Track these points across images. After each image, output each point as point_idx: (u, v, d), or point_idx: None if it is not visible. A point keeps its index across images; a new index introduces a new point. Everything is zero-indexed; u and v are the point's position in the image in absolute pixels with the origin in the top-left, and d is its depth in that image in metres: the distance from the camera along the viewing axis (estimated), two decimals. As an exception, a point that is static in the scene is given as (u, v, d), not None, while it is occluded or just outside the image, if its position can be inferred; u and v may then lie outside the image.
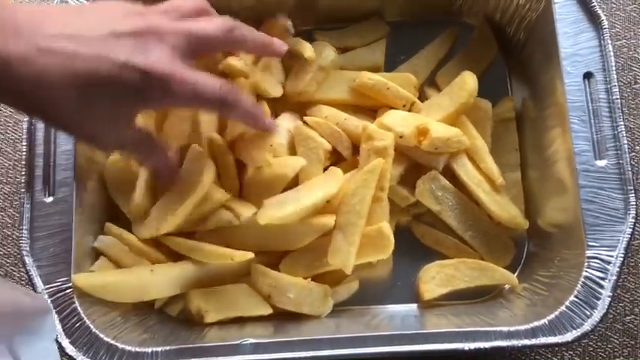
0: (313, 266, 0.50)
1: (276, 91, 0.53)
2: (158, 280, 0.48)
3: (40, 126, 0.48)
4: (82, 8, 0.40)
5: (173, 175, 0.47)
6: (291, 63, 0.54)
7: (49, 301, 0.44)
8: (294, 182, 0.51)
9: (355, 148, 0.53)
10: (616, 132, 0.46)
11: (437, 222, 0.53)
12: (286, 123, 0.53)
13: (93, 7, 0.40)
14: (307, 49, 0.53)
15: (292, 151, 0.52)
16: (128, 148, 0.44)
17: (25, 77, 0.34)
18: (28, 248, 0.46)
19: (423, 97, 0.56)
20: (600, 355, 0.52)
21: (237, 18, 0.46)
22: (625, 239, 0.44)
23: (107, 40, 0.35)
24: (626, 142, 0.45)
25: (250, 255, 0.48)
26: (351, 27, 0.58)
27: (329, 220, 0.48)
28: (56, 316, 0.44)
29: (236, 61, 0.51)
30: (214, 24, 0.41)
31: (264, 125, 0.47)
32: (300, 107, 0.54)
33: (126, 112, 0.39)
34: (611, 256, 0.44)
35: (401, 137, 0.49)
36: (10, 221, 0.57)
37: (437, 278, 0.51)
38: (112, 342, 0.44)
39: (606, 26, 0.47)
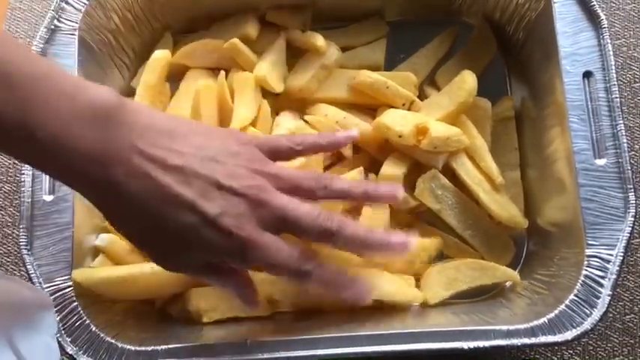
0: None
1: (279, 87, 0.53)
2: (158, 278, 0.48)
3: (40, 125, 0.48)
4: (205, 136, 0.38)
5: (248, 302, 0.43)
6: (295, 60, 0.55)
7: (49, 295, 0.44)
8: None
9: (355, 147, 0.53)
10: (615, 131, 0.46)
11: (437, 221, 0.53)
12: (286, 121, 0.53)
13: (217, 139, 0.38)
14: (319, 39, 0.53)
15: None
16: (198, 276, 0.42)
17: (123, 193, 0.34)
18: (28, 247, 0.45)
19: (422, 96, 0.56)
20: (600, 354, 0.52)
21: (235, 13, 0.47)
22: (625, 238, 0.44)
23: (209, 188, 0.35)
24: (625, 141, 0.46)
25: None
26: (352, 26, 0.58)
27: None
28: (56, 314, 0.44)
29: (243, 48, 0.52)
30: (313, 216, 0.38)
31: (350, 294, 0.42)
32: (300, 105, 0.54)
33: (196, 257, 0.38)
34: (611, 255, 0.44)
35: (400, 137, 0.49)
36: (10, 220, 0.57)
37: (439, 282, 0.51)
38: (112, 341, 0.44)
39: (605, 25, 0.47)
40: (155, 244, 0.38)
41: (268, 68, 0.53)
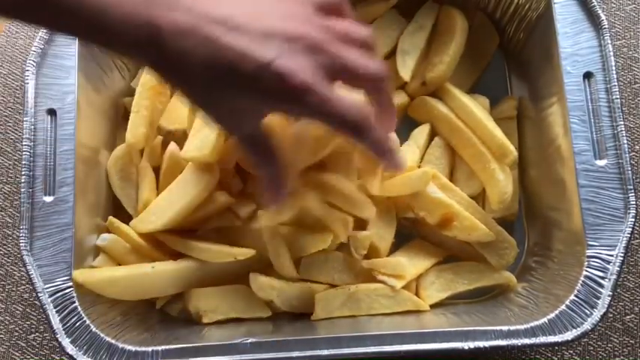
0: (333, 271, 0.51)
1: None
2: (159, 278, 0.48)
3: (41, 126, 0.48)
4: None
5: (276, 196, 0.42)
6: None
7: (48, 296, 0.45)
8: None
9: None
10: (616, 132, 0.46)
11: (434, 234, 0.53)
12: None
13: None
14: None
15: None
16: (245, 144, 0.41)
17: (171, 50, 0.34)
18: (28, 248, 0.46)
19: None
20: (600, 355, 0.52)
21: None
22: (625, 238, 0.44)
23: (259, 36, 0.35)
24: (626, 141, 0.45)
25: (252, 252, 0.48)
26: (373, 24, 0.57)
27: (326, 236, 0.48)
28: (56, 315, 0.44)
29: None
30: (371, 67, 0.38)
31: (393, 162, 0.42)
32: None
33: (254, 110, 0.38)
34: (611, 256, 0.44)
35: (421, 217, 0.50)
36: (10, 221, 0.57)
37: (436, 283, 0.51)
38: (113, 341, 0.44)
39: (606, 26, 0.47)
40: (211, 100, 0.37)
41: None
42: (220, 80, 0.35)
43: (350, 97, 0.37)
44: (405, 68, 0.53)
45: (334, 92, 0.36)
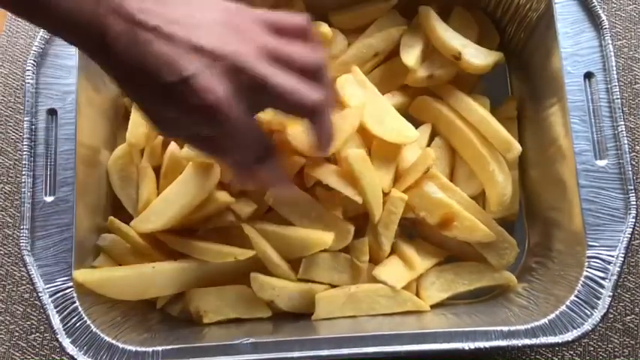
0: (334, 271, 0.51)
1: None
2: (159, 277, 0.48)
3: (41, 126, 0.48)
4: (195, 7, 0.37)
5: (244, 180, 0.44)
6: None
7: (49, 296, 0.45)
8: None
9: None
10: (616, 132, 0.46)
11: (434, 234, 0.53)
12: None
13: (210, 11, 0.37)
14: (323, 26, 0.53)
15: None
16: (190, 144, 0.41)
17: (112, 49, 0.34)
18: (28, 248, 0.46)
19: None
20: (601, 355, 0.52)
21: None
22: (625, 239, 0.44)
23: (188, 49, 0.34)
24: (626, 141, 0.45)
25: (252, 252, 0.48)
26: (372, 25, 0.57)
27: (327, 236, 0.48)
28: (57, 315, 0.44)
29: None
30: (303, 96, 0.37)
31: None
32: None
33: (183, 121, 0.37)
34: (612, 256, 0.44)
35: (422, 216, 0.51)
36: (10, 221, 0.57)
37: (437, 284, 0.51)
38: (113, 341, 0.44)
39: (607, 26, 0.47)
40: (146, 102, 0.37)
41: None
42: (149, 86, 0.35)
43: (259, 129, 0.38)
44: (410, 55, 0.53)
45: (247, 118, 0.36)
